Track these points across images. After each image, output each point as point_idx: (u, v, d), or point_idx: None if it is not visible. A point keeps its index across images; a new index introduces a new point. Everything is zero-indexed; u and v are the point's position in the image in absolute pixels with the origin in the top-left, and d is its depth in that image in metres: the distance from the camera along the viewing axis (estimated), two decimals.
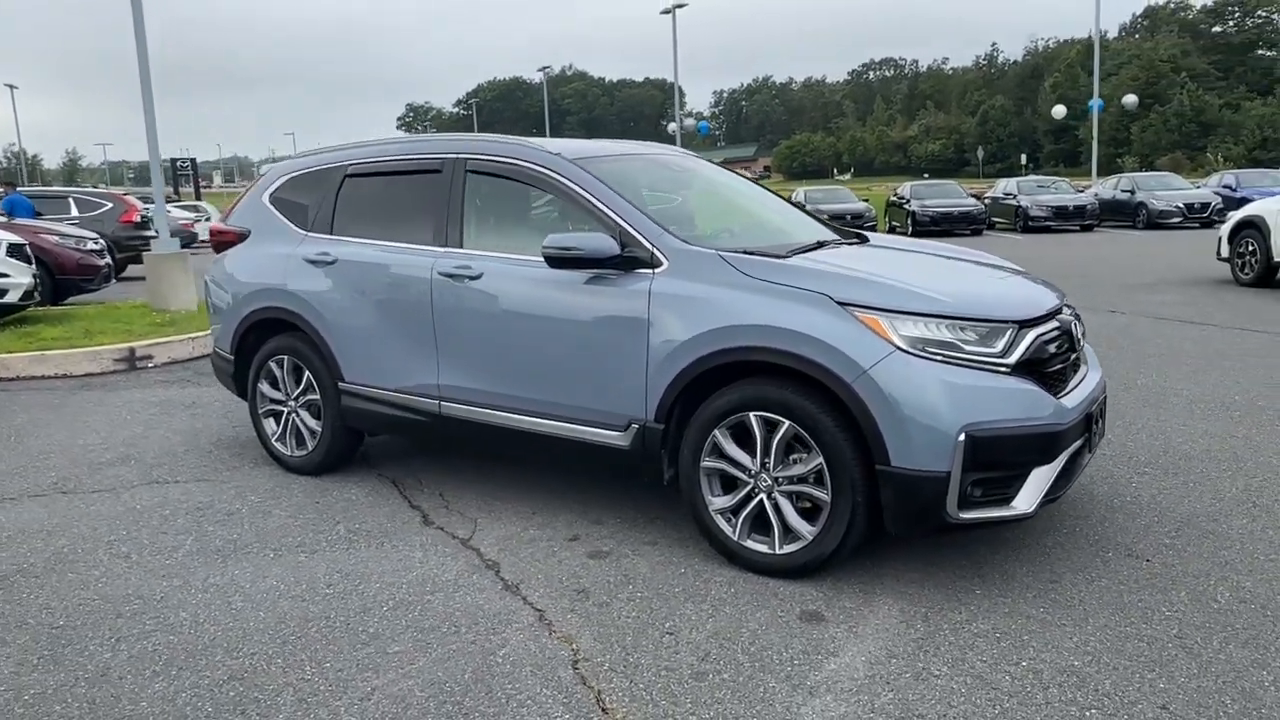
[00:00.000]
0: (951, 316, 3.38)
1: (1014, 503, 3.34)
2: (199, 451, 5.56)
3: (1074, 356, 3.78)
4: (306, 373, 4.91)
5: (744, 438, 3.61)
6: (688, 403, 3.72)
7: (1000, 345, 3.38)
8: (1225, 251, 12.24)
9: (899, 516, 3.33)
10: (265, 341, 5.10)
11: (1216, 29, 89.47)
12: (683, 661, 3.01)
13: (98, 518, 4.46)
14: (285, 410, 5.07)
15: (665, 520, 4.21)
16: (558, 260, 3.86)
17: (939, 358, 3.30)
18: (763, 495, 3.58)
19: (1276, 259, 11.30)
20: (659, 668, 2.98)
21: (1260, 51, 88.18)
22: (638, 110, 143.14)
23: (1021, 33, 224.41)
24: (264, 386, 5.13)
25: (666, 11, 33.31)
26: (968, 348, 3.35)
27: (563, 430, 4.04)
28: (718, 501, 3.69)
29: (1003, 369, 3.35)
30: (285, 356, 4.99)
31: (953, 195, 26.37)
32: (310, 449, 4.98)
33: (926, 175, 77.77)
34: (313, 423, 4.96)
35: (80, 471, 5.22)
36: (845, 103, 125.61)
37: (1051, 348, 3.56)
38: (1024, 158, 78.86)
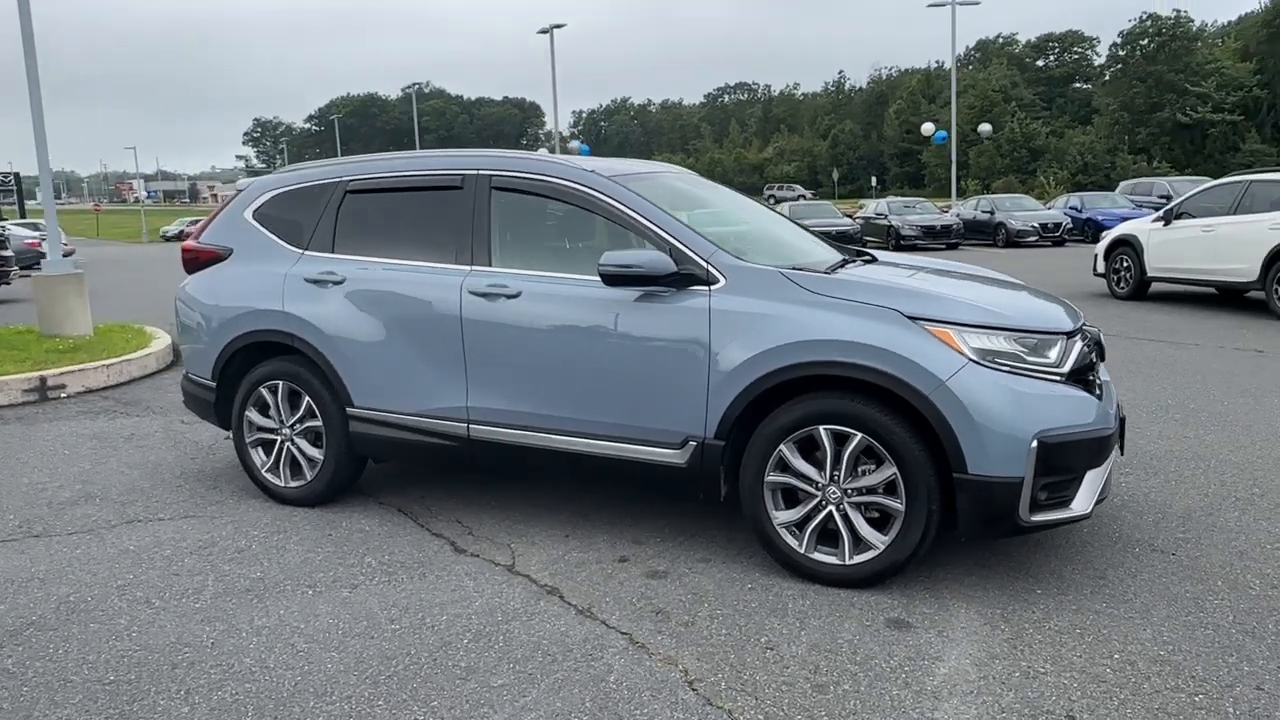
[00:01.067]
0: (1012, 329, 3.55)
1: (1073, 505, 3.52)
2: (167, 486, 5.17)
3: (1099, 364, 4.03)
4: (306, 398, 4.66)
5: (808, 451, 3.67)
6: (749, 418, 3.75)
7: (1054, 355, 3.57)
8: (1101, 267, 13.23)
9: (974, 522, 3.46)
10: (254, 366, 4.81)
11: (1040, 62, 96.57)
12: (796, 675, 3.03)
13: (91, 561, 4.09)
14: (279, 439, 4.79)
15: (705, 536, 4.22)
16: (615, 278, 3.83)
17: (1005, 368, 3.46)
18: (831, 507, 3.64)
19: (1149, 274, 12.31)
20: (777, 683, 2.98)
21: (1077, 84, 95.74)
22: (497, 129, 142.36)
23: (866, 62, 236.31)
24: (252, 414, 4.83)
25: (544, 31, 33.39)
26: (1028, 358, 3.52)
27: (611, 450, 3.99)
28: (782, 515, 3.73)
29: (1057, 377, 3.54)
30: (280, 382, 4.72)
31: (828, 215, 27.40)
32: (309, 479, 4.72)
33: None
34: (313, 451, 4.71)
35: (43, 512, 4.77)
36: (702, 125, 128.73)
37: (1090, 357, 3.79)
38: (874, 180, 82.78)
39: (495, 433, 4.22)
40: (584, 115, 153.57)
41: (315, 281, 4.61)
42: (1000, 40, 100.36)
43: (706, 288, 3.82)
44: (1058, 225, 25.87)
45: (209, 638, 3.36)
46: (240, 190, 5.17)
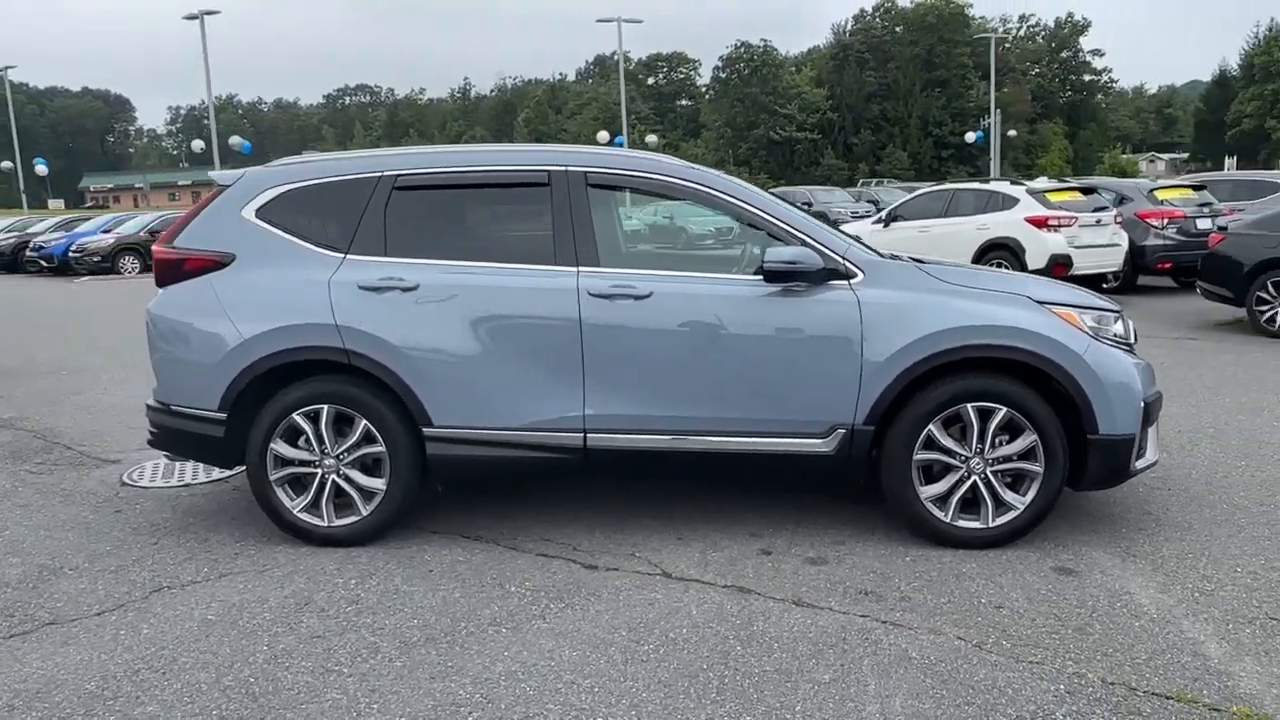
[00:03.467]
0: (1096, 308, 4.17)
1: (1147, 454, 4.21)
2: (168, 546, 4.25)
3: None
4: (362, 422, 4.09)
5: (949, 428, 4.01)
6: (898, 403, 4.00)
7: (1121, 329, 4.24)
8: None
9: (1099, 475, 4.03)
10: (278, 391, 4.12)
11: (650, 80, 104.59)
12: (1049, 625, 3.35)
13: (183, 641, 3.31)
14: (319, 472, 4.15)
15: (809, 522, 4.37)
16: (777, 274, 3.88)
17: (1108, 342, 4.07)
18: (975, 477, 4.01)
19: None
20: (1042, 634, 3.29)
21: (684, 101, 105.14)
22: (76, 124, 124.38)
23: (490, 69, 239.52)
24: (280, 447, 4.13)
25: (192, 17, 29.91)
26: (1109, 332, 4.16)
27: (753, 445, 4.03)
28: (927, 490, 4.03)
29: (1127, 347, 4.22)
30: (323, 406, 4.09)
31: None
32: (365, 514, 4.15)
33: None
34: (369, 481, 4.15)
35: (32, 597, 3.72)
36: (324, 127, 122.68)
37: None
38: None
39: (620, 440, 4.05)
40: (183, 111, 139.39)
41: (374, 289, 4.07)
42: (615, 57, 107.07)
43: (846, 281, 4.01)
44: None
45: (469, 694, 2.94)
46: (224, 186, 4.36)
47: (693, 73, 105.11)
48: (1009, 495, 4.02)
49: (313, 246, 4.19)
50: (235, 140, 33.28)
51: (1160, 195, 13.27)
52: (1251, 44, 78.09)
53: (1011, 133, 66.69)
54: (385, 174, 4.23)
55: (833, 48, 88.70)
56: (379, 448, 4.11)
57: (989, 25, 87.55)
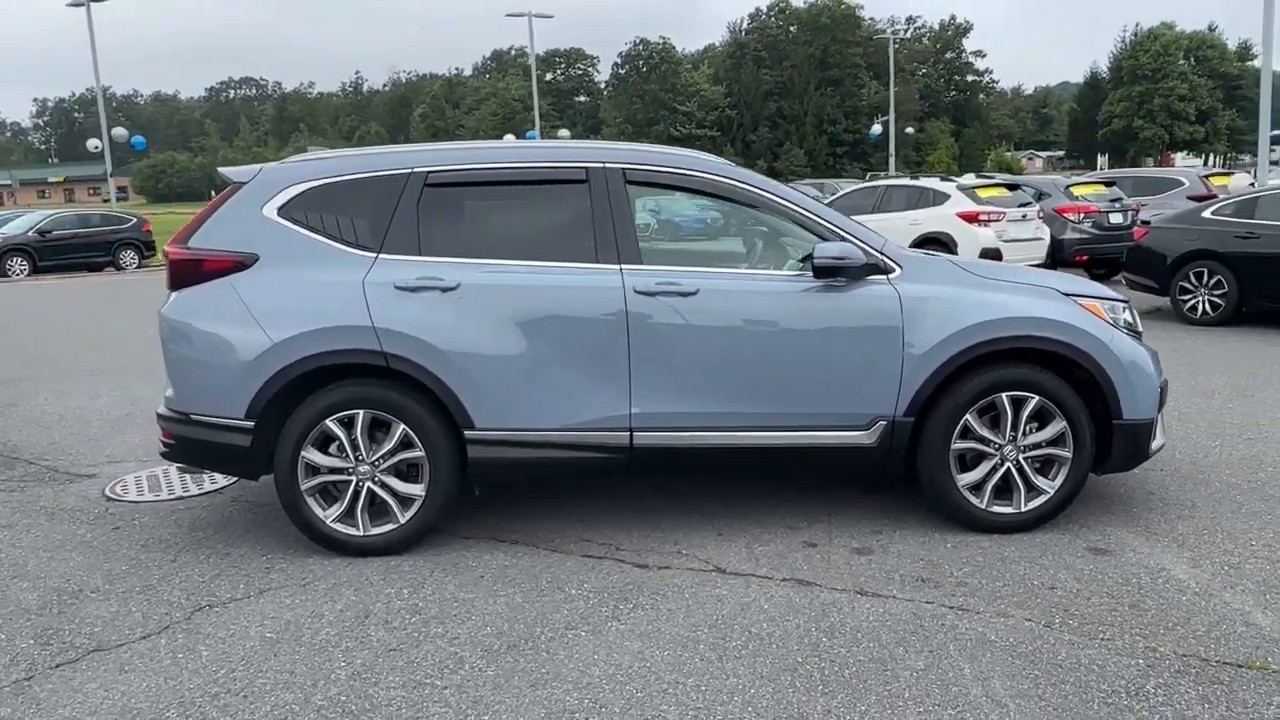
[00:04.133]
0: (1111, 299, 4.37)
1: (1158, 437, 4.44)
2: (188, 563, 4.03)
3: None
4: (401, 426, 3.97)
5: (983, 416, 4.14)
6: (938, 394, 4.11)
7: (1129, 318, 4.45)
8: None
9: (1122, 458, 4.22)
10: (308, 396, 3.96)
11: (549, 76, 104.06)
12: (1106, 603, 3.51)
13: (257, 660, 3.15)
14: (353, 479, 4.01)
15: (841, 513, 4.45)
16: (826, 270, 3.94)
17: (1125, 330, 4.27)
18: (1009, 464, 4.15)
19: None
20: (1103, 612, 3.44)
21: (582, 98, 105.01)
22: None
23: (383, 63, 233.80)
24: (312, 455, 3.98)
25: (77, 4, 28.03)
26: (1122, 321, 4.36)
27: (796, 439, 4.08)
28: (964, 478, 4.15)
29: (1137, 335, 4.44)
30: (359, 411, 3.95)
31: None
32: (403, 521, 4.03)
33: None
34: (406, 488, 4.03)
35: (62, 623, 3.48)
36: (207, 121, 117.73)
37: None
38: None
39: (666, 437, 4.04)
40: (50, 104, 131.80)
41: (411, 289, 3.95)
42: (514, 52, 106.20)
43: (885, 276, 4.09)
44: None
45: (577, 700, 2.89)
46: (239, 182, 4.15)
47: (591, 69, 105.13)
48: (1040, 480, 4.17)
49: (341, 246, 4.04)
50: (120, 132, 31.45)
51: (1076, 191, 13.95)
52: (1119, 48, 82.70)
53: (909, 130, 69.01)
54: (415, 170, 4.11)
55: (730, 46, 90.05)
56: (417, 452, 4.00)
57: (878, 27, 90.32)
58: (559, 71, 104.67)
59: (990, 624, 3.36)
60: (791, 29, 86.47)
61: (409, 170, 4.11)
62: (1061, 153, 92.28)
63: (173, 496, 4.97)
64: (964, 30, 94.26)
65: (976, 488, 4.16)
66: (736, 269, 4.18)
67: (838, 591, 3.65)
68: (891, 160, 50.99)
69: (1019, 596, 3.57)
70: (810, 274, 4.03)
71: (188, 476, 5.23)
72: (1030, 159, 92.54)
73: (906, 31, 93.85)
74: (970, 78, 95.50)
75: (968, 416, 4.09)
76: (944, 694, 2.90)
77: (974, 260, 4.45)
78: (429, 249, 4.04)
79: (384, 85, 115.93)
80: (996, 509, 4.17)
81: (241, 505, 4.80)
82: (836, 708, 2.84)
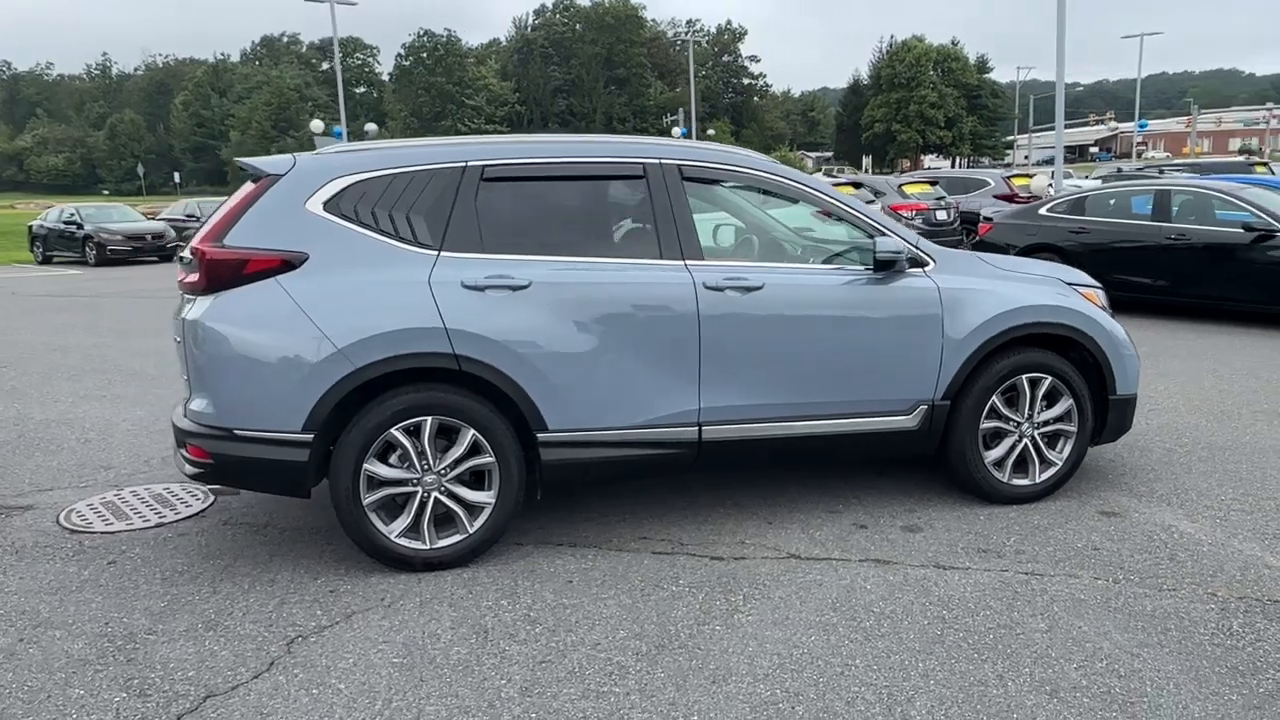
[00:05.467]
0: (1095, 286, 4.85)
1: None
2: (234, 594, 3.64)
3: None
4: (471, 432, 3.79)
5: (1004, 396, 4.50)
6: (970, 378, 4.41)
7: (1104, 301, 4.96)
8: None
9: (1114, 429, 4.70)
10: (372, 405, 3.71)
11: (325, 65, 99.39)
12: (1145, 561, 3.94)
13: (410, 688, 2.93)
14: (419, 491, 3.79)
15: (871, 495, 4.69)
16: (887, 264, 4.14)
17: (1108, 314, 4.76)
18: (1025, 440, 4.53)
19: None
20: (1151, 569, 3.85)
21: (361, 89, 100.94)
22: None
23: (133, 45, 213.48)
24: (375, 467, 3.73)
25: None
26: (1108, 307, 4.86)
27: (848, 426, 4.26)
28: (989, 455, 4.49)
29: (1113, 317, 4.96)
30: (426, 418, 3.74)
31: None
32: (471, 531, 3.86)
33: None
34: (475, 496, 3.86)
35: (142, 672, 3.06)
36: None
37: None
38: (176, 176, 76.50)
39: (733, 430, 4.10)
40: None
41: (479, 288, 3.78)
42: (286, 39, 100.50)
43: (922, 269, 4.35)
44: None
45: (769, 691, 2.92)
46: (274, 174, 3.79)
47: (372, 59, 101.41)
48: (1050, 454, 4.58)
49: (398, 243, 3.80)
50: None
51: (907, 190, 15.10)
52: (878, 58, 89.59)
53: (711, 131, 71.30)
54: (470, 164, 3.93)
55: (517, 42, 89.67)
56: (487, 458, 3.84)
57: (660, 28, 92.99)
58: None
59: (1069, 585, 3.67)
60: (578, 26, 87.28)
61: (463, 164, 3.93)
62: (830, 154, 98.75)
63: (150, 524, 4.46)
64: (739, 35, 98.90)
65: (999, 463, 4.51)
66: (795, 263, 4.30)
67: (919, 568, 3.86)
68: None
69: (1073, 558, 3.93)
70: (862, 267, 4.23)
71: (146, 502, 4.71)
72: (802, 160, 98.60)
73: (687, 34, 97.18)
74: (746, 81, 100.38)
75: (994, 398, 4.43)
76: (1082, 650, 3.16)
77: (989, 254, 4.79)
78: (491, 246, 3.88)
79: (137, 69, 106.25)
80: (1016, 482, 4.54)
81: (241, 528, 4.39)
82: (1004, 671, 3.03)
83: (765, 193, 4.41)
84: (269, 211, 3.74)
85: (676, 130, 52.28)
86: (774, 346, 4.12)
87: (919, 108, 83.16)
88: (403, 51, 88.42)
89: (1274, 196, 9.84)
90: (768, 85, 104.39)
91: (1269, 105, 79.60)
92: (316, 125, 37.53)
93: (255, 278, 3.66)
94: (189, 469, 3.76)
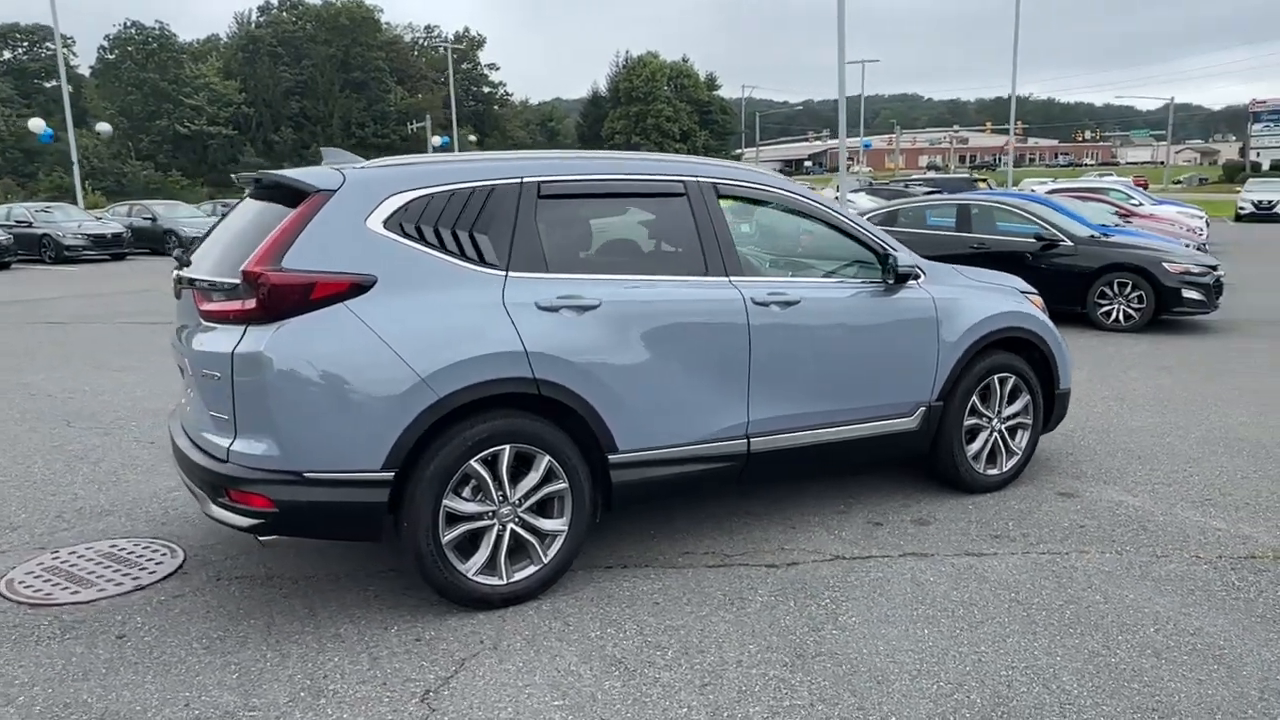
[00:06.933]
0: (1032, 292, 5.45)
1: None
2: (307, 656, 3.24)
3: None
4: (546, 459, 3.65)
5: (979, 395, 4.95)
6: (957, 381, 4.81)
7: (1042, 304, 5.56)
8: None
9: (1056, 419, 5.30)
10: (451, 436, 3.47)
11: (8, 54, 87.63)
12: (1113, 542, 4.50)
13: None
14: (494, 524, 3.60)
15: (864, 492, 4.98)
16: (906, 276, 4.43)
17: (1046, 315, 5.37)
18: (995, 434, 5.01)
19: None
20: (1136, 547, 4.42)
21: (53, 82, 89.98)
22: None
23: None
24: (453, 503, 3.49)
25: None
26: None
27: (864, 430, 4.52)
28: (970, 449, 4.92)
29: None
30: (504, 447, 3.56)
31: None
32: (546, 560, 3.71)
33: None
34: (549, 524, 3.71)
35: None
36: None
37: None
38: None
39: (774, 441, 4.22)
40: None
41: (553, 309, 3.65)
42: None
43: (916, 281, 4.70)
44: (118, 236, 24.60)
45: (975, 683, 3.07)
46: (324, 190, 3.43)
47: (67, 50, 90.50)
48: (1013, 444, 5.09)
49: (464, 263, 3.58)
50: None
51: None
52: (615, 71, 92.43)
53: (472, 138, 69.93)
54: (526, 180, 3.78)
55: (240, 39, 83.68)
56: (560, 484, 3.71)
57: (396, 32, 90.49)
58: (21, 50, 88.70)
59: (1090, 560, 4.13)
60: (309, 26, 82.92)
61: (519, 180, 3.76)
62: None
63: (126, 589, 3.87)
64: (478, 43, 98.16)
65: (976, 456, 4.96)
66: (818, 278, 4.48)
67: (958, 556, 4.17)
68: None
69: (1070, 537, 4.41)
70: (878, 279, 4.51)
71: (101, 564, 4.11)
72: None
73: (425, 40, 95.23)
74: (486, 89, 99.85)
75: (974, 398, 4.86)
76: (1145, 615, 3.58)
77: (958, 266, 5.24)
78: (555, 265, 3.76)
79: None
80: (989, 472, 5.00)
81: (243, 583, 3.93)
82: (1109, 643, 3.37)
83: (790, 211, 4.57)
84: (326, 230, 3.39)
85: (436, 139, 51.12)
86: (809, 357, 4.29)
87: (656, 121, 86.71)
88: (106, 44, 79.84)
89: (1052, 211, 11.35)
90: (508, 94, 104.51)
91: (955, 127, 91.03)
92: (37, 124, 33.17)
93: (322, 303, 3.31)
94: (241, 520, 3.32)
